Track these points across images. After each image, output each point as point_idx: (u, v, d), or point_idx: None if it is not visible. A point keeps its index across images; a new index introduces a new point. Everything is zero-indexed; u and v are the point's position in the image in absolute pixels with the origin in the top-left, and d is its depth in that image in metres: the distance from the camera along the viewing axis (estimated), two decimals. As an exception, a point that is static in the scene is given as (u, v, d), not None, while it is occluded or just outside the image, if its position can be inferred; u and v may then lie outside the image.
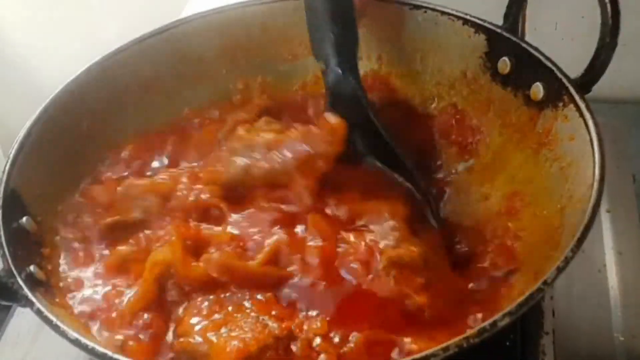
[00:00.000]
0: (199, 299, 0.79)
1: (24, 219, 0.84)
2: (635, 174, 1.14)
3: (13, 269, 0.76)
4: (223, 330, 0.74)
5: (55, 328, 0.70)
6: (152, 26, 1.06)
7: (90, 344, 0.68)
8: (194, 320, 0.76)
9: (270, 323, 0.74)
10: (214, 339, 0.73)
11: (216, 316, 0.76)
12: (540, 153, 0.91)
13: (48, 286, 0.80)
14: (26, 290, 0.74)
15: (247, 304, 0.78)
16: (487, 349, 0.67)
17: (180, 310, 0.80)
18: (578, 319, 0.95)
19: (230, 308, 0.77)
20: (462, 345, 0.64)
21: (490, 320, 0.65)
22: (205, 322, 0.76)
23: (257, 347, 0.71)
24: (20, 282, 0.75)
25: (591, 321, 0.95)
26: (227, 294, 0.79)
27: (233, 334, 0.73)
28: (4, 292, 0.75)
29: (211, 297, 0.79)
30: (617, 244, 1.04)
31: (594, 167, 0.78)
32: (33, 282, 0.77)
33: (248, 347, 0.71)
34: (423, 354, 0.63)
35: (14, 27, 1.53)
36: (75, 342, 0.69)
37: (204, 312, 0.77)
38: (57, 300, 0.78)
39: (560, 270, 0.69)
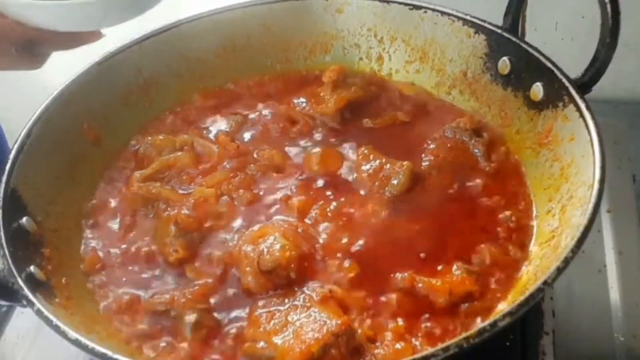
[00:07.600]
0: (260, 302, 0.79)
1: (24, 219, 0.84)
2: (636, 174, 1.14)
3: (13, 269, 0.76)
4: (285, 332, 0.74)
5: (56, 328, 0.70)
6: (152, 26, 1.06)
7: (90, 344, 0.68)
8: (259, 324, 0.77)
9: (327, 321, 0.74)
10: (278, 342, 0.73)
11: (278, 319, 0.76)
12: (540, 153, 0.91)
13: (48, 286, 0.80)
14: (26, 291, 0.74)
15: (306, 302, 0.78)
16: (487, 349, 0.68)
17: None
18: (578, 319, 0.95)
19: (289, 307, 0.78)
20: (462, 345, 0.64)
21: (490, 320, 0.66)
22: (268, 326, 0.76)
23: (318, 347, 0.71)
24: (21, 283, 0.75)
25: (591, 321, 0.95)
26: (288, 299, 0.79)
27: (295, 335, 0.73)
28: (4, 292, 0.75)
29: (273, 299, 0.79)
30: (617, 244, 1.04)
31: (594, 167, 0.78)
32: (33, 283, 0.77)
33: (310, 348, 0.71)
34: (423, 353, 0.64)
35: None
36: (75, 342, 0.69)
37: (267, 317, 0.77)
38: (57, 300, 0.78)
39: (560, 270, 0.69)
